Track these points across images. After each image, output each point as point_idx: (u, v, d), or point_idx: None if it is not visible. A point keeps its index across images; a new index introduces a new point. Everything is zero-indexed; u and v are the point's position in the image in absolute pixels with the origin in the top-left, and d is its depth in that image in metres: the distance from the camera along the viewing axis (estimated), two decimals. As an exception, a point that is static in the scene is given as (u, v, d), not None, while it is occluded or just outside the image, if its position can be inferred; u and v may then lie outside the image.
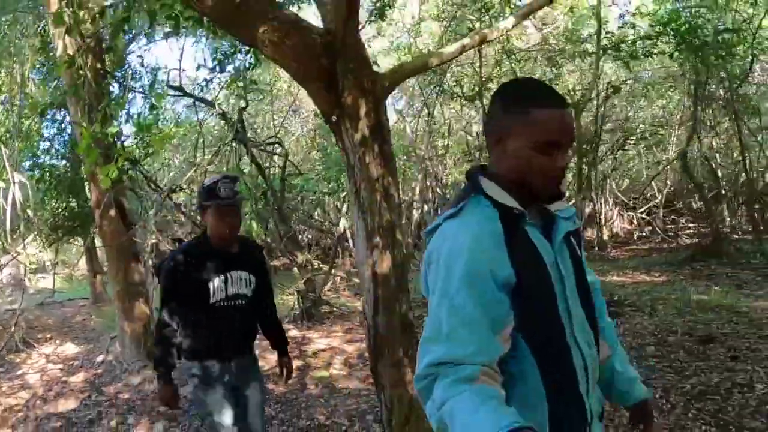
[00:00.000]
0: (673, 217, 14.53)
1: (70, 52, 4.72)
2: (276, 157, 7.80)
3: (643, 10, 8.50)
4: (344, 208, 8.81)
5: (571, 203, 1.23)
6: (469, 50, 3.38)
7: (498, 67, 8.34)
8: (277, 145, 6.44)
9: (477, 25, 7.69)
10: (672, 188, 14.51)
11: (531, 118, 1.04)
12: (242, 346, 2.29)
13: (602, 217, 13.59)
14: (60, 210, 6.44)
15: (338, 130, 1.87)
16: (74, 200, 6.11)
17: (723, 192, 10.76)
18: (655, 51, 7.03)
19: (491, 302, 0.99)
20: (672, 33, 6.77)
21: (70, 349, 6.51)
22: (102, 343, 6.15)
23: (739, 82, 8.60)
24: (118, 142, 4.31)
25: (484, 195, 1.08)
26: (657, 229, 13.34)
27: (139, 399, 4.29)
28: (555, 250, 1.10)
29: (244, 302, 2.23)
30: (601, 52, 7.15)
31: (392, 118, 12.96)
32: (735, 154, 10.64)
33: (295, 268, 6.33)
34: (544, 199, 1.10)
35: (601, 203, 13.51)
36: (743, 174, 9.42)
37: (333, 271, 6.54)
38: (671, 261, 9.09)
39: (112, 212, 5.14)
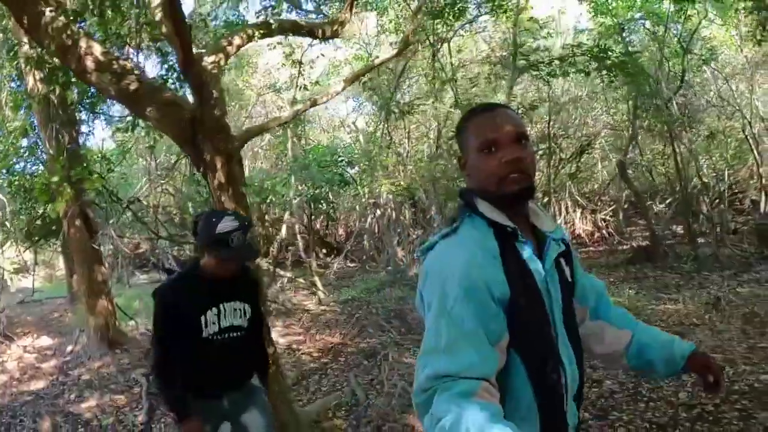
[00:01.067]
0: (635, 219, 15.53)
1: (40, 86, 5.62)
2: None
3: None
4: (286, 215, 9.72)
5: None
6: (303, 113, 4.22)
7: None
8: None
9: (430, 38, 8.52)
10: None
11: (469, 130, 1.16)
12: (238, 379, 2.19)
13: (562, 219, 14.58)
14: (34, 216, 7.34)
15: (205, 177, 2.78)
16: (47, 207, 7.00)
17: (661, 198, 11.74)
18: (572, 70, 7.92)
19: (488, 315, 1.02)
20: (585, 53, 7.68)
21: (45, 341, 7.41)
22: (73, 336, 7.05)
23: (671, 95, 9.54)
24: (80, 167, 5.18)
25: (479, 214, 1.13)
26: (612, 231, 14.33)
27: (96, 379, 5.19)
28: (546, 270, 1.14)
29: (239, 334, 2.12)
30: (517, 71, 8.05)
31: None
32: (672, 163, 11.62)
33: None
34: (512, 198, 1.12)
35: (561, 206, 14.49)
36: (678, 182, 10.38)
37: (278, 271, 7.46)
38: (612, 263, 9.74)
39: (78, 222, 6.04)
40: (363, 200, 11.12)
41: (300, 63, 7.04)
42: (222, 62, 2.85)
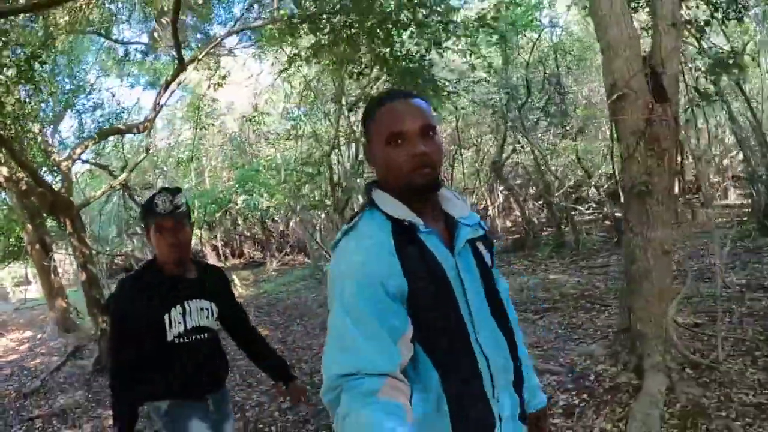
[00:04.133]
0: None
1: None
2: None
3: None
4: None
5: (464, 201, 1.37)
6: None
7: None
8: (151, 189, 10.29)
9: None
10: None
11: (375, 119, 1.17)
12: (213, 384, 2.09)
13: (494, 209, 17.10)
14: (12, 237, 10.41)
15: (62, 226, 5.60)
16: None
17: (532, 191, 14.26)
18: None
19: (385, 311, 1.05)
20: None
21: (28, 334, 10.42)
22: (44, 328, 10.05)
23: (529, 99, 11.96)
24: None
25: (377, 207, 1.16)
26: (533, 220, 16.84)
27: (51, 354, 8.09)
28: (456, 256, 1.17)
29: (207, 335, 2.03)
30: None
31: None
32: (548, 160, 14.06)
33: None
34: (418, 191, 1.14)
35: (493, 196, 16.97)
36: (542, 177, 12.89)
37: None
38: (500, 250, 12.05)
39: (37, 246, 8.96)
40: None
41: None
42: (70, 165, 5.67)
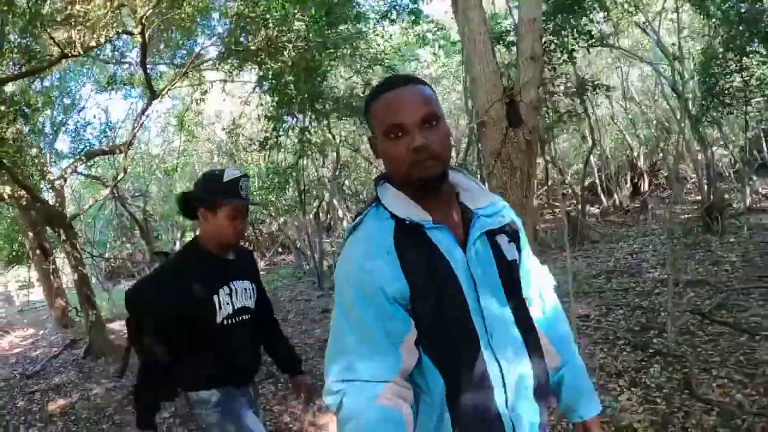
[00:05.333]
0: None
1: None
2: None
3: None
4: (177, 234, 13.79)
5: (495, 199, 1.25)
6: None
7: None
8: (140, 197, 11.41)
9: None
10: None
11: (373, 111, 1.11)
12: (253, 368, 2.10)
13: None
14: (15, 244, 11.60)
15: (59, 236, 6.69)
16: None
17: None
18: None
19: (385, 315, 1.05)
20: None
21: (30, 332, 11.60)
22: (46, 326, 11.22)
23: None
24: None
25: (383, 205, 1.13)
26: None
27: (51, 346, 9.24)
28: (468, 253, 1.11)
29: (248, 317, 2.01)
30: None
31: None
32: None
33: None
34: (420, 186, 1.09)
35: None
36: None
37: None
38: None
39: (38, 251, 10.11)
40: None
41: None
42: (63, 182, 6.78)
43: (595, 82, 5.60)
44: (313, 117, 7.23)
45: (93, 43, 4.85)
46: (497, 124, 4.04)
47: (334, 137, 11.44)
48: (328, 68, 6.34)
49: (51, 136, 9.41)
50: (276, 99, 6.46)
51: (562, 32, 4.95)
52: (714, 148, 18.52)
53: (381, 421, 0.99)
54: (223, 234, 1.93)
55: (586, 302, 6.06)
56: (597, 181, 18.05)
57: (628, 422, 3.12)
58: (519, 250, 1.21)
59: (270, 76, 6.20)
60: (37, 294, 17.87)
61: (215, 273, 1.95)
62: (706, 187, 11.02)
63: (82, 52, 4.72)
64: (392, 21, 7.56)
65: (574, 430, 1.32)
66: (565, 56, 4.88)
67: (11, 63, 5.21)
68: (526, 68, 4.13)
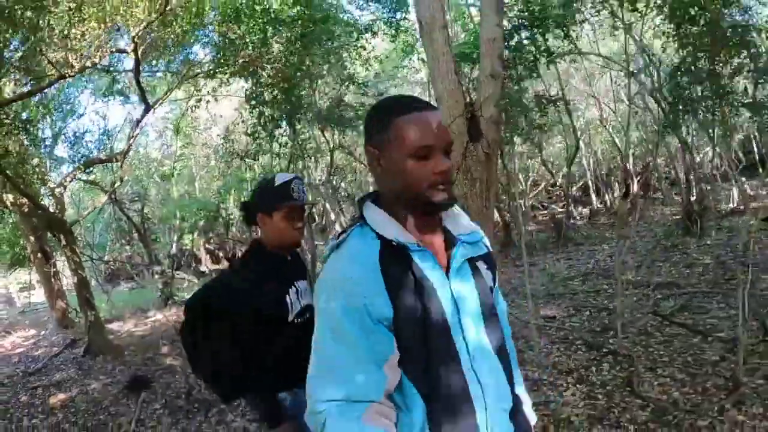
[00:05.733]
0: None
1: None
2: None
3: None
4: (174, 237, 14.23)
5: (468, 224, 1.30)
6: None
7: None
8: (138, 201, 11.87)
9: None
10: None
11: (397, 128, 1.11)
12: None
13: None
14: (17, 248, 12.05)
15: (59, 241, 7.12)
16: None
17: None
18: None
19: (370, 336, 1.06)
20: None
21: (32, 332, 12.03)
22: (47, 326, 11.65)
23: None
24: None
25: (368, 224, 1.15)
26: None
27: (52, 346, 9.65)
28: (450, 277, 1.14)
29: (310, 315, 1.94)
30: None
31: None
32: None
33: (156, 274, 11.74)
34: (435, 208, 1.14)
35: None
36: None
37: (179, 273, 11.90)
38: None
39: (39, 254, 10.53)
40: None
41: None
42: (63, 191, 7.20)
43: (553, 97, 5.96)
44: (294, 130, 7.66)
45: (89, 63, 5.25)
46: (459, 138, 4.35)
47: (327, 142, 11.88)
48: (303, 88, 6.77)
49: (50, 143, 9.83)
50: (255, 116, 6.89)
51: (523, 50, 5.33)
52: (706, 150, 18.94)
53: None
54: (283, 235, 2.01)
55: (557, 303, 6.42)
56: (589, 182, 18.41)
57: (566, 415, 3.43)
58: (494, 277, 1.27)
59: (252, 96, 6.62)
60: (38, 296, 18.39)
61: (283, 273, 2.03)
62: (689, 189, 11.39)
63: (78, 72, 5.11)
64: (374, 33, 7.95)
65: None
66: (527, 72, 5.27)
67: (12, 81, 5.63)
68: (486, 85, 4.43)
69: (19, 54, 5.17)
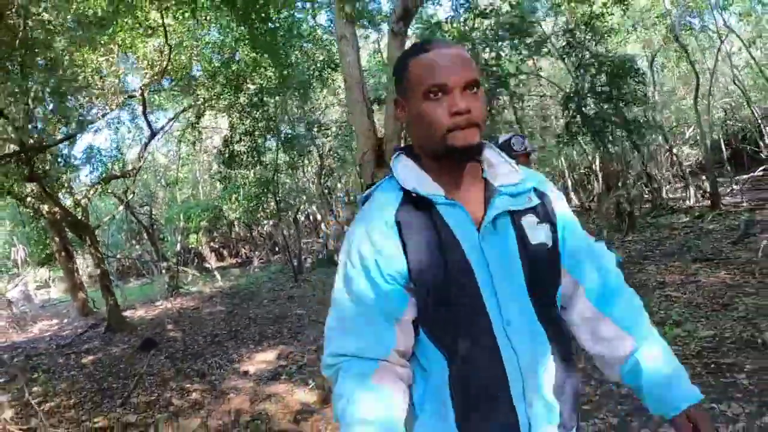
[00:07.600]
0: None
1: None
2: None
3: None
4: (179, 237, 16.31)
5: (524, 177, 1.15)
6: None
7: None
8: (147, 207, 13.90)
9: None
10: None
11: (412, 71, 1.08)
12: None
13: None
14: (43, 247, 14.21)
15: (83, 240, 9.11)
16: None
17: None
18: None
19: (383, 293, 1.05)
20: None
21: (55, 321, 14.16)
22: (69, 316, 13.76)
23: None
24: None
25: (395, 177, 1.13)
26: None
27: (76, 329, 11.70)
28: (481, 233, 1.07)
29: None
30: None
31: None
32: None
33: (163, 270, 13.82)
34: (457, 154, 1.07)
35: None
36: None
37: (184, 269, 13.97)
38: None
39: (63, 252, 12.62)
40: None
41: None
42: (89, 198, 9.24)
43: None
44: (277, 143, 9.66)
45: (108, 110, 7.29)
46: (368, 166, 6.19)
47: (317, 147, 13.92)
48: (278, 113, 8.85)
49: (77, 162, 12.02)
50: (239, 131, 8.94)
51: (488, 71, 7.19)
52: (684, 148, 20.50)
53: (372, 401, 1.01)
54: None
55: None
56: (568, 182, 20.19)
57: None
58: (555, 232, 1.14)
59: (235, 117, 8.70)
60: (55, 292, 20.64)
61: None
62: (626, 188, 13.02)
63: (101, 119, 7.17)
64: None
65: (672, 429, 1.10)
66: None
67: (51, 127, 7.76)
68: (388, 126, 6.23)
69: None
